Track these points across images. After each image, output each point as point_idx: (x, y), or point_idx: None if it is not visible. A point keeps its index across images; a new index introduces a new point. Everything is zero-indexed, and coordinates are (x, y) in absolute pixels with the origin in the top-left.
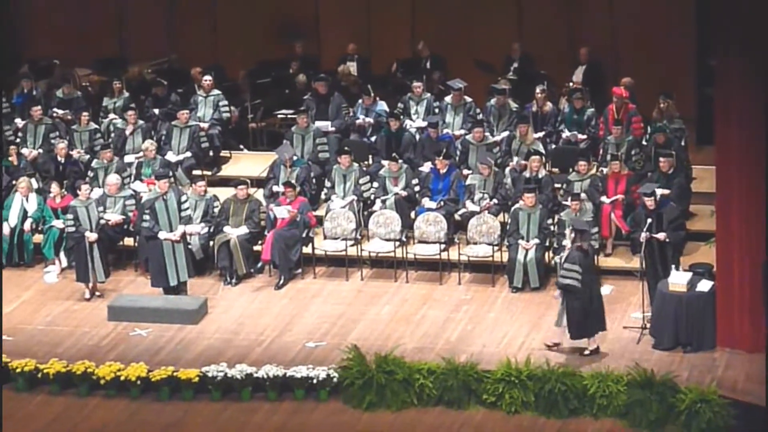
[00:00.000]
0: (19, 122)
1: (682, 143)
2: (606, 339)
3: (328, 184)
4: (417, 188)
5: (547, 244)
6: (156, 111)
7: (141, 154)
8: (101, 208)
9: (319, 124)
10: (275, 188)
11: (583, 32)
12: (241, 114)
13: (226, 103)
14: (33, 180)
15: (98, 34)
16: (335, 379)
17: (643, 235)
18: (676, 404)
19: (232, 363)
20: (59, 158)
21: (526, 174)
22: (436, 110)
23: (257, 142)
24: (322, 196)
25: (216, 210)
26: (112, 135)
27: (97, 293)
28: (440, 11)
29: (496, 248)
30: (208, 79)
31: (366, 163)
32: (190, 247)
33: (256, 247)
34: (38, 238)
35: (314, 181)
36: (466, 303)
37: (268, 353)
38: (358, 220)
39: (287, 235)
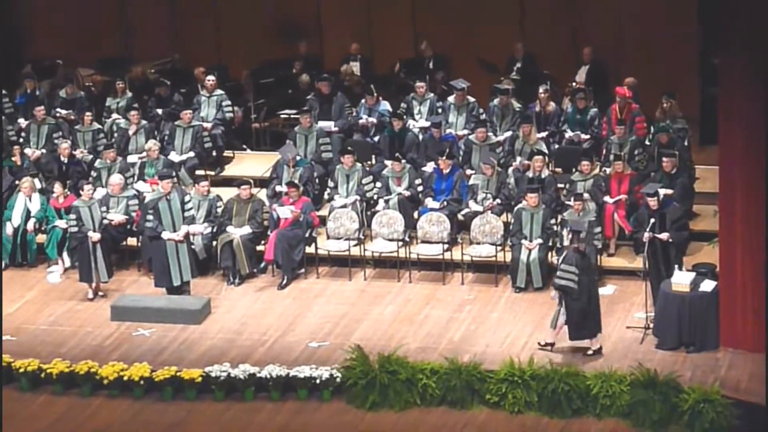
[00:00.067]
0: (22, 122)
1: (686, 143)
2: (609, 339)
3: (331, 184)
4: (420, 188)
5: (550, 244)
6: (159, 111)
7: (144, 154)
8: (104, 208)
9: (322, 124)
10: (278, 188)
11: (586, 32)
12: (244, 114)
13: (229, 103)
14: (36, 180)
15: (101, 34)
16: (338, 379)
17: (646, 235)
18: (679, 404)
19: (235, 363)
20: (62, 158)
21: (529, 174)
22: (439, 110)
23: (260, 142)
24: (325, 196)
25: (219, 210)
26: (115, 135)
27: (100, 293)
28: (443, 11)
29: (499, 248)
30: (211, 79)
31: (369, 163)
32: (193, 247)
33: (259, 247)
34: (41, 238)
35: (317, 181)
36: (469, 303)
37: (271, 353)
38: (361, 220)
39: (290, 235)
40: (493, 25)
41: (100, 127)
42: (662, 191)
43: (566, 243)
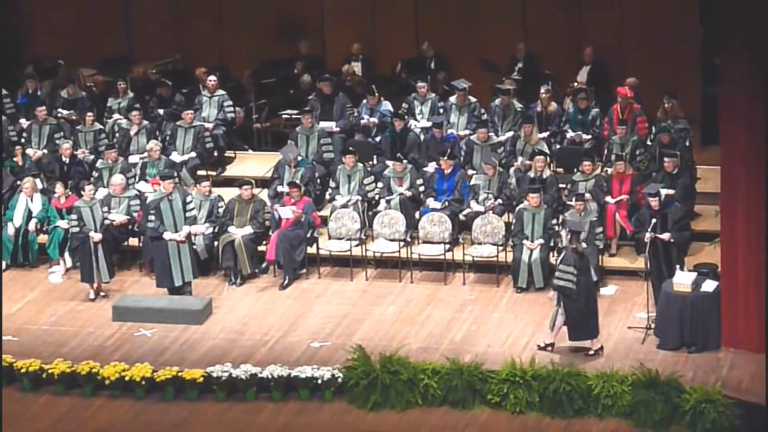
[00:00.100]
0: (23, 122)
1: (687, 143)
2: (611, 339)
3: (332, 184)
4: (421, 188)
5: (552, 244)
6: (160, 111)
7: (145, 154)
8: (105, 209)
9: (323, 124)
10: (280, 188)
11: (588, 32)
12: (245, 114)
13: (230, 103)
14: (38, 180)
15: (103, 34)
16: (340, 380)
17: (648, 236)
18: (680, 404)
19: (237, 363)
20: (64, 158)
21: (531, 174)
22: (441, 110)
23: (262, 143)
24: (327, 197)
25: (220, 210)
26: (117, 135)
27: (102, 293)
28: (445, 11)
29: (500, 248)
30: (212, 79)
31: (370, 163)
32: (194, 247)
33: (261, 248)
34: (43, 238)
35: (319, 181)
36: (471, 303)
37: (273, 353)
38: (363, 221)
39: (292, 235)
40: (494, 26)
41: (101, 127)
42: (664, 191)
43: (565, 244)
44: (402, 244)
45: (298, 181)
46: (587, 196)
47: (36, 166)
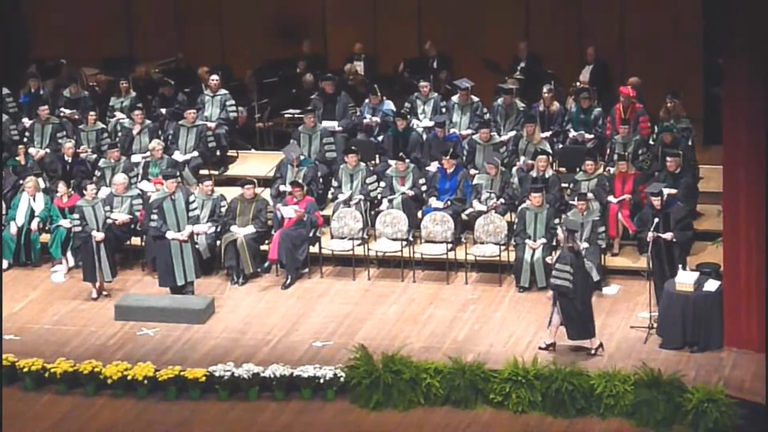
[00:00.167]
0: (26, 122)
1: (689, 143)
2: (613, 338)
3: (335, 183)
4: (424, 188)
5: (554, 243)
6: (163, 110)
7: (148, 153)
8: (108, 208)
9: (326, 123)
10: (282, 188)
11: (590, 32)
12: (248, 113)
13: (233, 102)
14: (40, 179)
15: (105, 33)
16: (342, 379)
17: (650, 235)
18: (683, 404)
19: (239, 362)
20: (66, 158)
21: (533, 174)
22: (443, 110)
23: (264, 142)
24: (329, 196)
25: (223, 209)
26: (119, 134)
27: (104, 293)
28: (447, 11)
29: (503, 248)
30: (215, 78)
31: (373, 162)
32: (197, 246)
33: (263, 247)
34: (45, 237)
35: (321, 180)
36: (473, 302)
37: (275, 353)
38: (365, 220)
39: (294, 234)
40: (497, 25)
41: (104, 126)
42: (666, 191)
43: (561, 242)
44: (404, 243)
45: (300, 181)
46: (589, 195)
47: (38, 165)
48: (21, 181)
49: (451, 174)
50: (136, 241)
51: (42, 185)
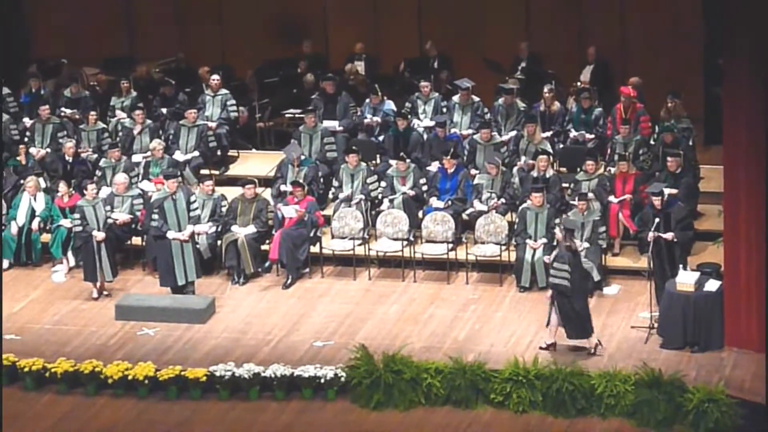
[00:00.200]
0: (27, 121)
1: (690, 143)
2: (614, 338)
3: (335, 183)
4: (425, 188)
5: (555, 243)
6: (164, 110)
7: (149, 153)
8: (108, 207)
9: (326, 123)
10: (283, 187)
11: (591, 31)
12: (249, 113)
13: (233, 102)
14: (41, 179)
15: (106, 33)
16: (343, 379)
17: (651, 235)
18: (683, 404)
19: (240, 362)
20: (67, 157)
21: (534, 173)
22: (444, 110)
23: (265, 142)
24: (330, 196)
25: (224, 209)
26: (120, 134)
27: (105, 292)
28: (448, 10)
29: (503, 248)
30: (215, 78)
31: (374, 162)
32: (197, 246)
33: (264, 247)
34: (46, 237)
35: (322, 180)
36: (474, 302)
37: (276, 353)
38: (366, 220)
39: (295, 234)
40: (497, 25)
41: (104, 126)
42: (667, 191)
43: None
44: (405, 243)
45: (301, 180)
46: (590, 195)
47: (39, 165)
48: (22, 181)
49: (451, 174)
50: (136, 240)
51: (43, 185)
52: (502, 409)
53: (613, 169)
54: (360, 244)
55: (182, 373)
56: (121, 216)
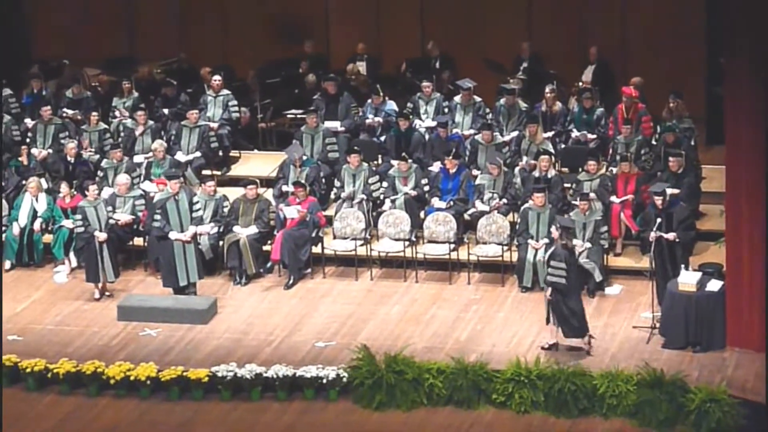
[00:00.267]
0: (28, 122)
1: (692, 143)
2: (616, 338)
3: (337, 183)
4: (426, 188)
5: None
6: (165, 111)
7: (150, 154)
8: (110, 208)
9: (328, 123)
10: (285, 188)
11: (593, 32)
12: (250, 114)
13: (235, 102)
14: (43, 180)
15: (107, 34)
16: (345, 379)
17: (653, 235)
18: (685, 404)
19: (242, 363)
20: (69, 158)
21: (536, 174)
22: (446, 110)
23: (267, 142)
24: (332, 196)
25: (225, 210)
26: (122, 135)
27: (107, 293)
28: (449, 11)
29: (505, 248)
30: (217, 78)
31: (375, 162)
32: (199, 246)
33: (266, 247)
34: (48, 238)
35: (324, 180)
36: (476, 303)
37: (278, 353)
38: (368, 220)
39: (297, 234)
40: (499, 25)
41: (106, 127)
42: (669, 191)
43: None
44: (407, 243)
45: (303, 181)
46: (592, 195)
47: (41, 165)
48: (24, 182)
49: (453, 174)
50: (138, 241)
51: (45, 186)
52: (504, 410)
53: (614, 169)
54: (362, 245)
55: (184, 373)
56: (122, 217)
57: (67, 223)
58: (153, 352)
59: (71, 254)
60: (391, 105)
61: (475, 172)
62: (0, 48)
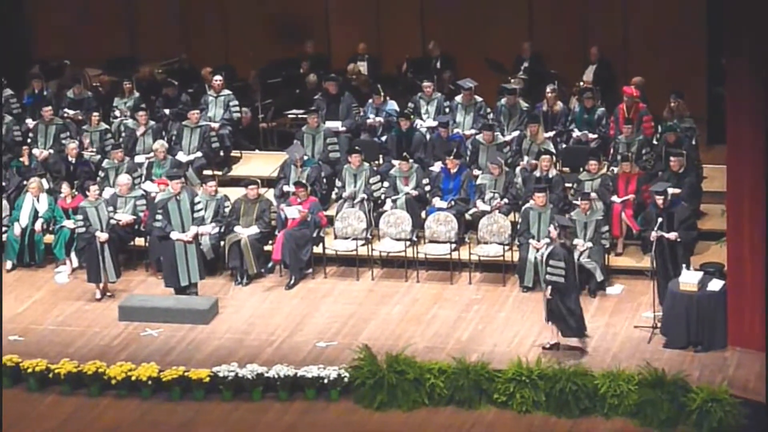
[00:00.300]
0: (30, 122)
1: (693, 142)
2: (617, 338)
3: (338, 183)
4: (427, 188)
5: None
6: (166, 111)
7: (152, 154)
8: (111, 208)
9: (329, 123)
10: (286, 188)
11: (594, 31)
12: (251, 114)
13: (236, 103)
14: (44, 180)
15: (108, 34)
16: (346, 379)
17: (654, 235)
18: (687, 403)
19: (243, 363)
20: (70, 158)
21: (537, 173)
22: (447, 110)
23: (268, 142)
24: (333, 196)
25: (227, 210)
26: (123, 135)
27: (108, 293)
28: (450, 10)
29: (506, 248)
30: (218, 79)
31: (376, 162)
32: (200, 247)
33: (267, 247)
34: (49, 238)
35: (325, 180)
36: (477, 302)
37: (279, 353)
38: (369, 220)
39: (298, 235)
40: (500, 25)
41: (107, 127)
42: (670, 190)
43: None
44: (408, 243)
45: (304, 181)
46: (593, 195)
47: (42, 166)
48: (25, 182)
49: (454, 174)
50: (140, 241)
51: (46, 186)
52: (505, 409)
53: (616, 169)
54: (363, 245)
55: (185, 373)
56: (124, 217)
57: (69, 224)
58: (154, 353)
59: (72, 254)
60: (392, 105)
61: (476, 171)
62: (0, 48)
